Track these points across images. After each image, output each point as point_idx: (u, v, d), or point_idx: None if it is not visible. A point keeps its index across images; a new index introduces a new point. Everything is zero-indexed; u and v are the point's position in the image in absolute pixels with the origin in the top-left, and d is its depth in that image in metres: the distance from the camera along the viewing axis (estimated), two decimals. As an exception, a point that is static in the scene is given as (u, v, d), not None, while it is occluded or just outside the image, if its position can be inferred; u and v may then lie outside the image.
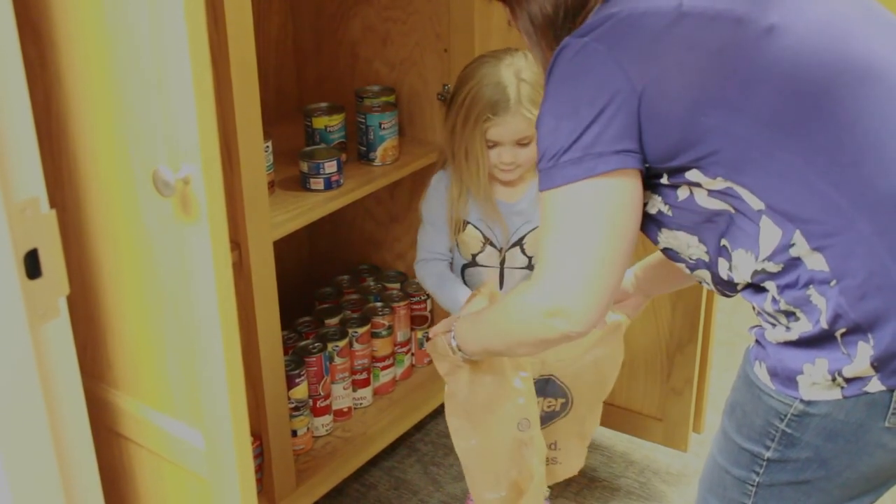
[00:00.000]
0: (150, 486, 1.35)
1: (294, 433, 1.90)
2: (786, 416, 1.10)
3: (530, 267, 1.79)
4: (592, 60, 1.09)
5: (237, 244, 1.58)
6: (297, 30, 2.21)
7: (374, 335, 2.08)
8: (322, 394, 1.98)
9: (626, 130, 1.08)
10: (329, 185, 1.82)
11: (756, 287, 1.13)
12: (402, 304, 2.13)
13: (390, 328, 2.10)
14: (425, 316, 2.19)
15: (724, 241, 1.13)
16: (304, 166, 1.81)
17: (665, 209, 1.15)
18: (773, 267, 1.08)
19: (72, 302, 1.11)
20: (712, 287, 1.21)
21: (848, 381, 1.06)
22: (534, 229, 1.77)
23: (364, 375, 2.07)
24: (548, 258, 1.13)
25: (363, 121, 1.92)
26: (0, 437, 1.03)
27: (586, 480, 2.14)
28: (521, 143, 1.68)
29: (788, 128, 1.05)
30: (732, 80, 1.06)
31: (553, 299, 1.13)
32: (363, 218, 2.30)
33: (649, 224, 1.19)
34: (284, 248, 1.88)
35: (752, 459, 1.15)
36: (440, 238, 1.80)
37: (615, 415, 2.21)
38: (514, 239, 1.78)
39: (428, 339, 1.54)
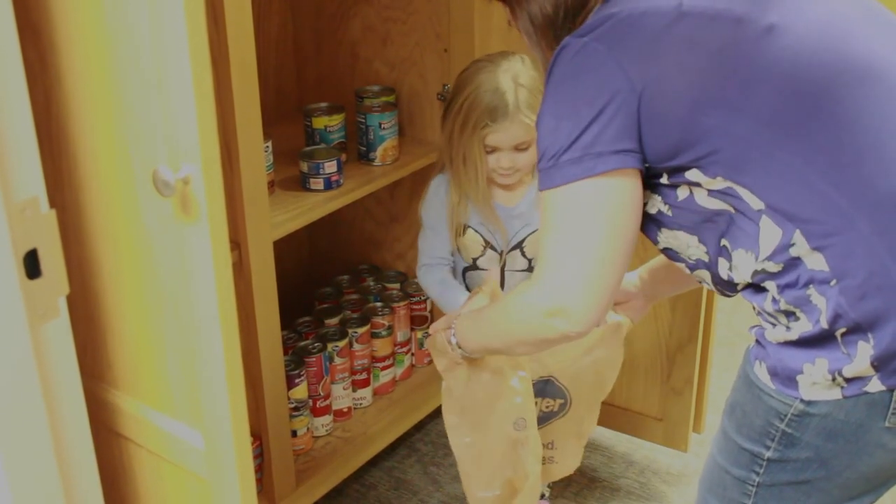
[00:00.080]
0: (149, 487, 1.35)
1: (294, 433, 1.90)
2: (786, 415, 1.10)
3: (530, 269, 1.79)
4: (592, 60, 1.09)
5: (237, 244, 1.58)
6: (297, 30, 2.21)
7: (374, 335, 2.08)
8: (322, 394, 1.98)
9: (626, 130, 1.08)
10: (329, 185, 1.82)
11: (756, 287, 1.13)
12: (401, 304, 2.13)
13: (390, 328, 2.10)
14: (425, 316, 2.18)
15: (724, 241, 1.13)
16: (304, 166, 1.81)
17: (665, 209, 1.15)
18: (773, 267, 1.08)
19: (72, 302, 1.11)
20: (712, 287, 1.21)
21: (848, 380, 1.06)
22: (533, 232, 1.77)
23: (364, 375, 2.07)
24: (548, 258, 1.13)
25: (363, 121, 1.92)
26: (0, 437, 1.03)
27: (586, 480, 2.14)
28: (520, 148, 1.68)
29: (788, 128, 1.05)
30: (732, 79, 1.06)
31: (553, 299, 1.13)
32: (363, 218, 2.30)
33: (649, 224, 1.19)
34: (284, 248, 1.88)
35: (752, 459, 1.15)
36: (441, 242, 1.80)
37: (615, 415, 2.21)
38: (514, 242, 1.78)
39: (428, 336, 1.54)
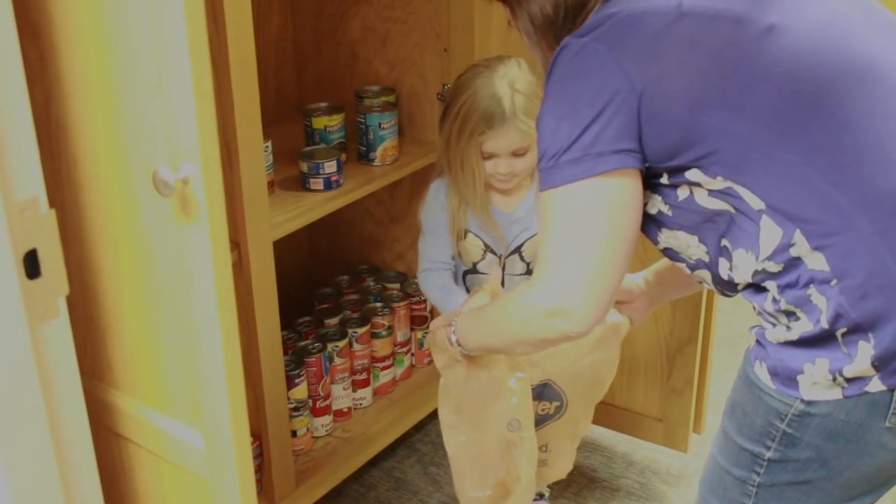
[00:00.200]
0: (149, 487, 1.35)
1: (294, 433, 1.90)
2: (786, 416, 1.10)
3: (529, 273, 1.79)
4: (592, 60, 1.09)
5: (237, 244, 1.58)
6: (296, 30, 2.21)
7: (374, 335, 2.08)
8: (322, 394, 1.98)
9: (626, 130, 1.08)
10: (329, 185, 1.81)
11: (756, 287, 1.13)
12: (401, 304, 2.13)
13: (390, 328, 2.10)
14: (425, 316, 2.18)
15: (724, 241, 1.13)
16: (304, 166, 1.81)
17: (665, 209, 1.15)
18: (773, 267, 1.08)
19: (71, 302, 1.11)
20: (712, 287, 1.21)
21: (848, 380, 1.06)
22: (532, 237, 1.77)
23: (364, 376, 2.07)
24: (548, 258, 1.13)
25: (363, 121, 1.92)
26: (0, 438, 1.02)
27: (586, 481, 2.14)
28: (517, 154, 1.68)
29: (788, 127, 1.05)
30: (732, 79, 1.06)
31: (553, 299, 1.13)
32: (363, 218, 2.30)
33: (649, 224, 1.19)
34: (284, 249, 1.88)
35: (752, 460, 1.15)
36: (441, 246, 1.79)
37: (615, 415, 2.21)
38: (513, 247, 1.78)
39: (428, 333, 1.54)
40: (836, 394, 1.07)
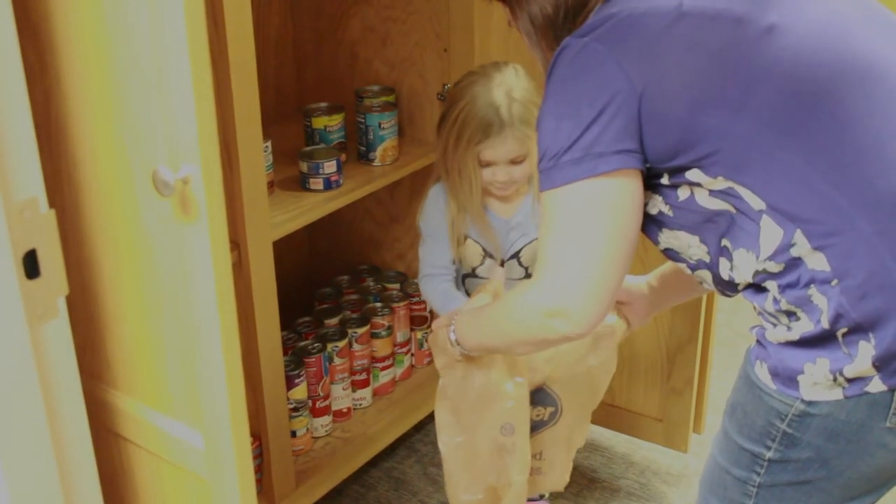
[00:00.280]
0: (149, 487, 1.35)
1: (293, 434, 1.90)
2: (787, 416, 1.10)
3: (527, 278, 1.79)
4: (593, 61, 1.08)
5: (237, 244, 1.58)
6: (296, 30, 2.21)
7: (374, 335, 2.08)
8: (321, 394, 1.98)
9: (627, 130, 1.08)
10: (328, 186, 1.81)
11: (757, 287, 1.13)
12: (401, 304, 2.13)
13: (390, 328, 2.10)
14: (425, 316, 2.18)
15: (724, 241, 1.13)
16: (304, 166, 1.81)
17: (666, 209, 1.15)
18: (773, 267, 1.08)
19: (71, 302, 1.11)
20: (713, 287, 1.21)
21: (849, 380, 1.06)
22: (529, 242, 1.77)
23: (364, 376, 2.07)
24: (548, 258, 1.13)
25: (363, 121, 1.92)
26: (-1, 438, 1.03)
27: (586, 481, 2.13)
28: (515, 162, 1.68)
29: (788, 127, 1.05)
30: (732, 79, 1.06)
31: (553, 300, 1.13)
32: (363, 218, 2.30)
33: (650, 224, 1.19)
34: (284, 249, 1.87)
35: (752, 460, 1.15)
36: (441, 251, 1.79)
37: (615, 415, 2.21)
38: (511, 252, 1.78)
39: (429, 334, 1.53)
40: (837, 394, 1.07)
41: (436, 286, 1.79)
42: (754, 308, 1.15)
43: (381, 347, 2.09)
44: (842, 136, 1.05)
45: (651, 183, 1.14)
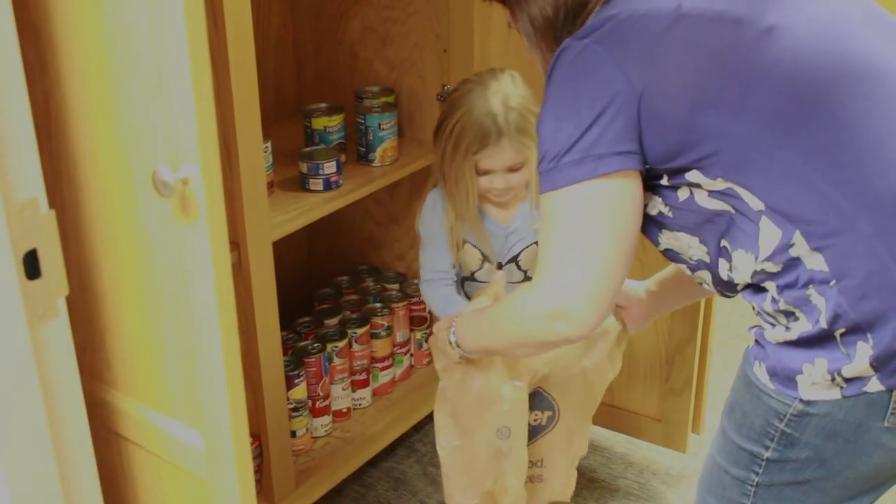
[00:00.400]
0: (149, 487, 1.35)
1: (293, 434, 1.90)
2: (785, 415, 1.10)
3: (526, 280, 1.79)
4: (592, 62, 1.09)
5: (236, 245, 1.58)
6: (296, 30, 2.21)
7: (374, 336, 2.08)
8: (321, 394, 1.98)
9: (627, 132, 1.08)
10: (328, 186, 1.82)
11: (756, 287, 1.13)
12: (401, 304, 2.13)
13: (389, 329, 2.10)
14: (424, 317, 2.18)
15: (723, 242, 1.13)
16: (304, 167, 1.81)
17: (665, 210, 1.15)
18: (772, 267, 1.08)
19: (71, 302, 1.11)
20: (712, 288, 1.21)
21: (847, 380, 1.06)
22: (528, 246, 1.77)
23: (363, 376, 2.07)
24: (548, 260, 1.13)
25: (362, 121, 1.92)
26: (-1, 438, 1.03)
27: (585, 481, 2.13)
28: (513, 170, 1.68)
29: (788, 128, 1.05)
30: (732, 81, 1.06)
31: (554, 302, 1.13)
32: (362, 219, 2.30)
33: (650, 226, 1.19)
34: (284, 249, 1.88)
35: (751, 459, 1.15)
36: (441, 256, 1.79)
37: (614, 416, 2.21)
38: (510, 256, 1.78)
39: (431, 333, 1.53)
40: (835, 394, 1.07)
41: (436, 290, 1.79)
42: (753, 308, 1.16)
43: (381, 348, 2.09)
44: (841, 136, 1.05)
45: (651, 184, 1.14)
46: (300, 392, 1.92)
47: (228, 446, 1.16)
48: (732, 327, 2.72)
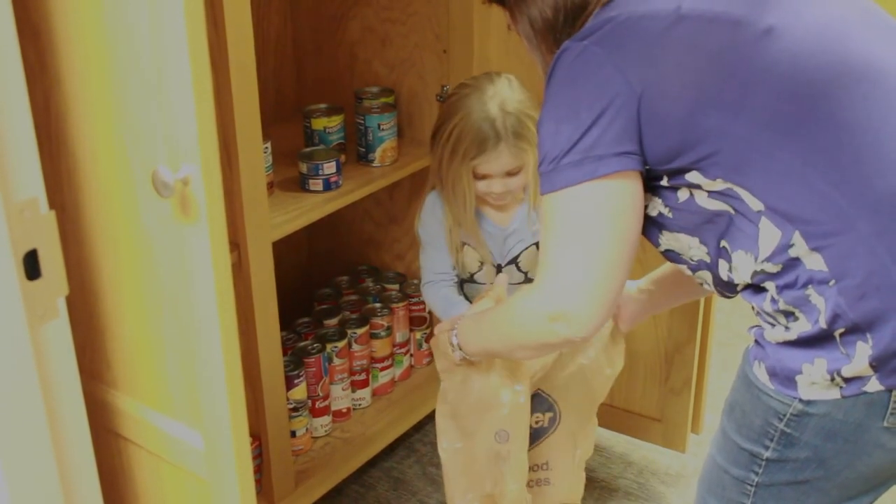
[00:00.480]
0: (149, 487, 1.35)
1: (293, 434, 1.90)
2: (785, 415, 1.10)
3: (527, 282, 1.79)
4: (592, 64, 1.09)
5: (236, 245, 1.58)
6: (296, 31, 2.21)
7: (373, 336, 2.08)
8: (321, 394, 1.98)
9: (626, 133, 1.08)
10: (328, 186, 1.82)
11: (755, 287, 1.13)
12: (400, 304, 2.13)
13: (389, 329, 2.10)
14: (424, 317, 2.19)
15: (723, 243, 1.13)
16: (304, 167, 1.81)
17: (665, 211, 1.15)
18: (772, 267, 1.08)
19: (71, 302, 1.11)
20: (713, 289, 1.21)
21: (847, 380, 1.06)
22: (527, 247, 1.77)
23: (363, 376, 2.07)
24: (549, 262, 1.13)
25: (362, 122, 1.92)
26: (-1, 438, 1.03)
27: (585, 481, 2.13)
28: (511, 174, 1.68)
29: (787, 129, 1.05)
30: (731, 81, 1.07)
31: (555, 303, 1.13)
32: (362, 219, 2.30)
33: (650, 227, 1.19)
34: (283, 249, 1.88)
35: (751, 459, 1.15)
36: (441, 258, 1.79)
37: (614, 415, 2.21)
38: (509, 258, 1.78)
39: (432, 335, 1.53)
40: (835, 394, 1.07)
41: (437, 292, 1.79)
42: (753, 308, 1.16)
43: (381, 348, 2.10)
44: (840, 137, 1.05)
45: (651, 185, 1.14)
46: (300, 392, 1.92)
47: (228, 446, 1.16)
48: (732, 327, 2.72)
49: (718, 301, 2.19)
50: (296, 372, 1.90)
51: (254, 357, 1.67)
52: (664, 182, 1.13)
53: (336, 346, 1.99)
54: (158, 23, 1.00)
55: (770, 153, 1.06)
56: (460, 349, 1.44)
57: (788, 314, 1.09)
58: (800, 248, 1.06)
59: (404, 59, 2.05)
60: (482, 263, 1.79)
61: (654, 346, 2.11)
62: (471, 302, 1.77)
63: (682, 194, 1.13)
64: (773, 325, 1.12)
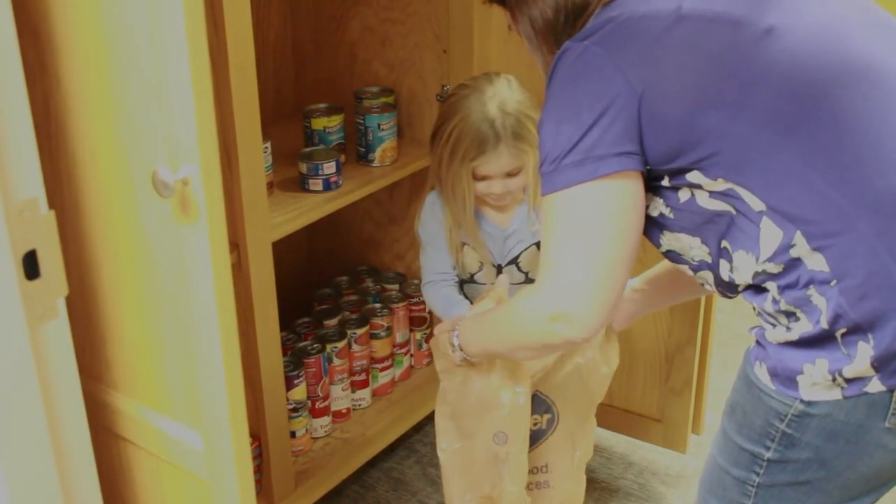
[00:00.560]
0: (148, 488, 1.35)
1: (293, 434, 1.90)
2: (786, 416, 1.10)
3: (528, 282, 1.79)
4: (592, 64, 1.09)
5: (236, 245, 1.58)
6: (296, 31, 2.21)
7: (373, 336, 2.08)
8: (321, 395, 1.98)
9: (627, 133, 1.08)
10: (328, 187, 1.82)
11: (757, 288, 1.13)
12: (400, 305, 2.13)
13: (389, 329, 2.10)
14: (424, 317, 2.18)
15: (724, 243, 1.13)
16: (303, 167, 1.81)
17: (667, 211, 1.15)
18: (773, 268, 1.08)
19: (70, 303, 1.11)
20: (714, 289, 1.21)
21: (848, 381, 1.06)
22: (527, 248, 1.77)
23: (363, 376, 2.07)
24: (550, 262, 1.13)
25: (362, 122, 1.92)
26: (-1, 439, 1.03)
27: (585, 484, 2.13)
28: (511, 174, 1.67)
29: (788, 129, 1.05)
30: (731, 81, 1.06)
31: (555, 304, 1.12)
32: (362, 219, 2.30)
33: (651, 227, 1.19)
34: (283, 249, 1.88)
35: (752, 460, 1.15)
36: (442, 257, 1.79)
37: (614, 416, 2.21)
38: (510, 258, 1.78)
39: (432, 335, 1.53)
40: (836, 394, 1.07)
41: (438, 292, 1.79)
42: (754, 309, 1.16)
43: (381, 348, 2.09)
44: (841, 136, 1.05)
45: (652, 185, 1.14)
46: (300, 393, 1.91)
47: (228, 447, 1.16)
48: (733, 328, 2.72)
49: (719, 301, 2.19)
50: (295, 372, 1.90)
51: (253, 357, 1.67)
52: (665, 182, 1.13)
53: (336, 347, 1.99)
54: (158, 23, 1.00)
55: (770, 153, 1.05)
56: (461, 350, 1.44)
57: (790, 314, 1.09)
58: (801, 248, 1.06)
59: (404, 59, 2.04)
60: (482, 264, 1.78)
61: (655, 347, 2.11)
62: (471, 302, 1.77)
63: (684, 194, 1.12)
64: (774, 326, 1.12)
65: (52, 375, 1.08)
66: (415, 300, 2.16)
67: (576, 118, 1.09)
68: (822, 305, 1.05)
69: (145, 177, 1.08)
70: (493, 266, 1.78)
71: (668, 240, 1.19)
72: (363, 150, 1.94)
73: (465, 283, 1.82)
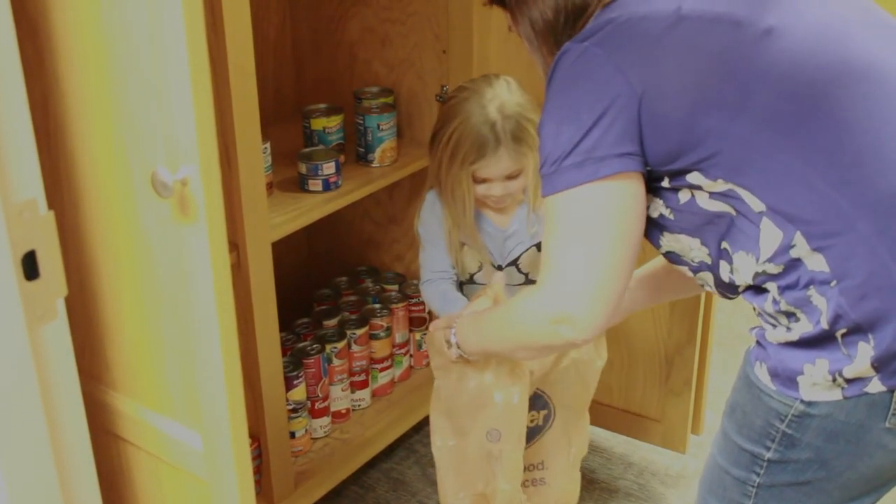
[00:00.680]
0: (148, 488, 1.34)
1: (292, 435, 1.90)
2: (786, 416, 1.10)
3: (528, 283, 1.79)
4: (592, 65, 1.09)
5: (235, 245, 1.58)
6: (295, 31, 2.21)
7: (373, 336, 2.08)
8: (320, 395, 1.98)
9: (627, 134, 1.08)
10: (327, 187, 1.81)
11: (757, 288, 1.13)
12: (400, 305, 2.13)
13: (389, 329, 2.10)
14: (423, 317, 2.18)
15: (724, 244, 1.13)
16: (303, 168, 1.81)
17: (667, 212, 1.15)
18: (773, 268, 1.08)
19: (70, 303, 1.11)
20: (714, 290, 1.21)
21: (848, 381, 1.06)
22: (527, 249, 1.77)
23: (362, 377, 2.07)
24: (551, 264, 1.13)
25: (361, 122, 1.92)
26: (-2, 439, 1.02)
27: (585, 482, 2.13)
28: (511, 177, 1.67)
29: (788, 129, 1.05)
30: (731, 82, 1.06)
31: (557, 306, 1.12)
32: (361, 219, 2.30)
33: (652, 228, 1.19)
34: (283, 250, 1.87)
35: (752, 460, 1.15)
36: (441, 256, 1.79)
37: (614, 416, 2.21)
38: (510, 259, 1.78)
39: (428, 333, 1.53)
40: (836, 394, 1.07)
41: (435, 289, 1.79)
42: (754, 309, 1.16)
43: (380, 348, 2.09)
44: (841, 137, 1.05)
45: (652, 186, 1.14)
46: (299, 393, 1.91)
47: (228, 447, 1.16)
48: (732, 328, 2.72)
49: (719, 301, 2.19)
50: (295, 373, 1.89)
51: (253, 358, 1.66)
52: (665, 183, 1.12)
53: (335, 347, 1.99)
54: (158, 22, 0.99)
55: (770, 153, 1.05)
56: (458, 347, 1.43)
57: (790, 315, 1.09)
58: (801, 248, 1.05)
59: (404, 59, 2.04)
60: (482, 264, 1.78)
61: (655, 347, 2.11)
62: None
63: (684, 195, 1.12)
64: (774, 326, 1.12)
65: (51, 376, 1.08)
66: (414, 301, 2.16)
67: (576, 119, 1.09)
68: (823, 306, 1.05)
69: (145, 177, 1.08)
70: (493, 267, 1.78)
71: (668, 241, 1.19)
72: (363, 150, 1.94)
73: (465, 284, 1.82)
